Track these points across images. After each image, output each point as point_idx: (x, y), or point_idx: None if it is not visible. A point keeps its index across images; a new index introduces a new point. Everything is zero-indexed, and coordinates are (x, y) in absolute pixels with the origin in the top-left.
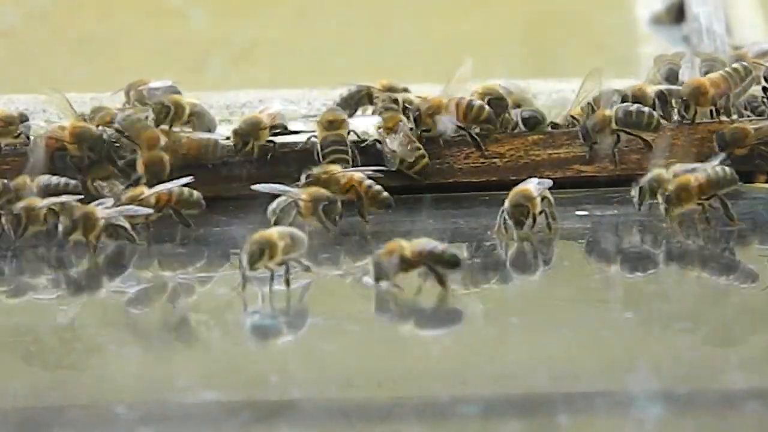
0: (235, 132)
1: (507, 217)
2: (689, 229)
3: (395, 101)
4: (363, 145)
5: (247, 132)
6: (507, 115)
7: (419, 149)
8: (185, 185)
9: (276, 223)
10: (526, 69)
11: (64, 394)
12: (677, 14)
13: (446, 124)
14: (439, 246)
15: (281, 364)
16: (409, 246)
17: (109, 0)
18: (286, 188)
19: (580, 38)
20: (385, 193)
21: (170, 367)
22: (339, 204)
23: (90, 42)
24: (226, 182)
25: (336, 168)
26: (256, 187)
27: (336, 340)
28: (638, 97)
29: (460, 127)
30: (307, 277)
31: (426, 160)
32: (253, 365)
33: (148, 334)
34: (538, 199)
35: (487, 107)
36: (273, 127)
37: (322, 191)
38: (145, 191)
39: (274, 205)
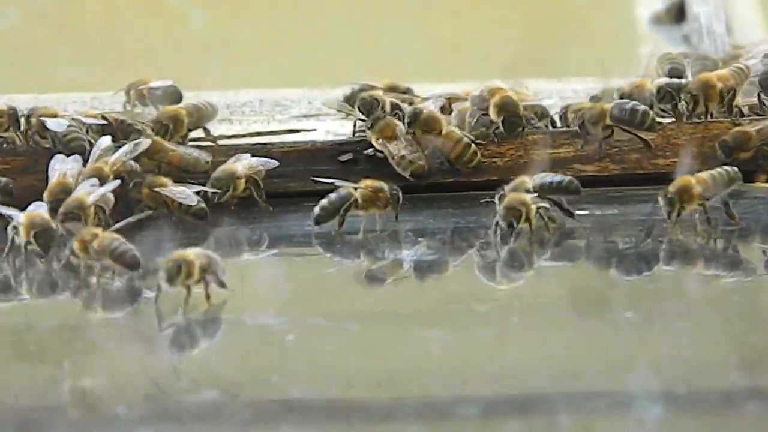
0: (211, 183)
1: (499, 219)
2: (690, 229)
3: (375, 101)
4: (372, 154)
5: (224, 181)
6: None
7: (417, 152)
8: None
9: (321, 220)
10: (526, 68)
11: (64, 394)
12: (677, 14)
13: (437, 152)
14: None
15: (281, 363)
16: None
17: None
18: (342, 182)
19: (580, 38)
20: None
21: (171, 366)
22: (400, 195)
23: (91, 41)
24: None
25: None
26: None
27: (337, 340)
28: (635, 94)
29: (446, 159)
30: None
31: (422, 162)
32: (254, 365)
33: (148, 333)
34: (533, 206)
35: (479, 155)
36: (248, 178)
37: (380, 182)
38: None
39: (324, 201)
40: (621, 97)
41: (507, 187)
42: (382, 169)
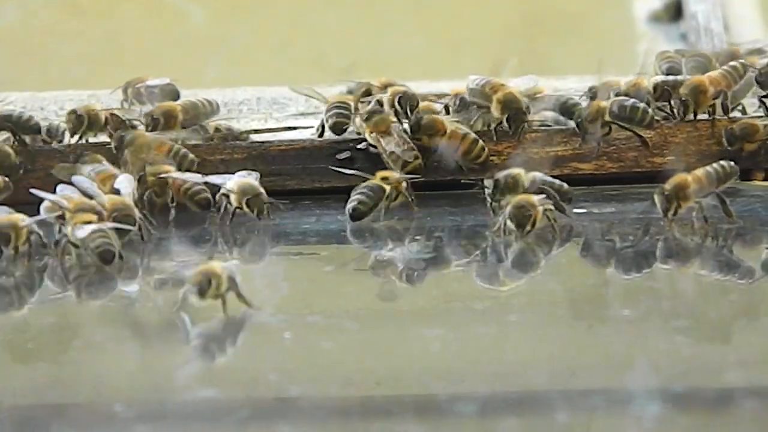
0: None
1: (509, 219)
2: (687, 227)
3: (379, 102)
4: (364, 147)
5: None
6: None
7: (413, 149)
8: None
9: (360, 216)
10: (524, 67)
11: (63, 392)
12: (675, 12)
13: (446, 153)
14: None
15: (280, 362)
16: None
17: None
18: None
19: (578, 36)
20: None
21: (168, 364)
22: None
23: (88, 39)
24: None
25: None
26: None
27: (335, 338)
28: (632, 93)
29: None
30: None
31: (419, 161)
32: (252, 363)
33: (146, 331)
34: (540, 208)
35: (486, 150)
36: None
37: (393, 173)
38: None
39: (362, 197)
40: (617, 96)
41: (501, 174)
42: (379, 165)
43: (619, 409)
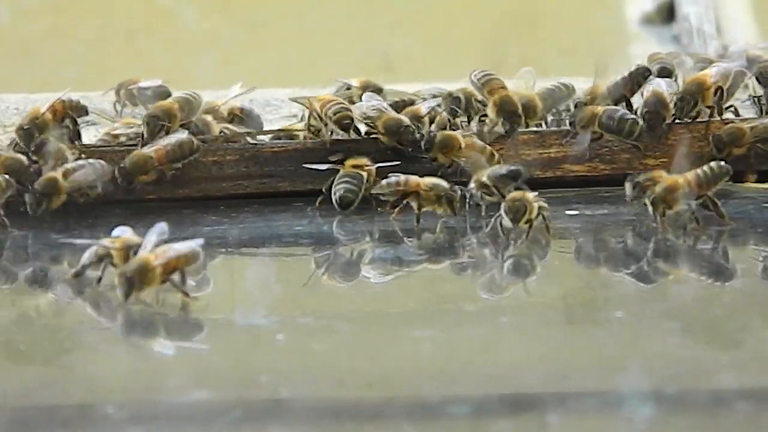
0: None
1: (504, 214)
2: (679, 229)
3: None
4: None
5: None
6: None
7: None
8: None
9: (347, 203)
10: (516, 68)
11: (55, 394)
12: (667, 14)
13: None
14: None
15: (272, 363)
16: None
17: None
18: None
19: (570, 37)
20: None
21: (161, 366)
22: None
23: (81, 40)
24: (216, 181)
25: None
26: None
27: (327, 340)
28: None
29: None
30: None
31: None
32: (244, 364)
33: (138, 333)
34: (535, 204)
35: (498, 157)
36: None
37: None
38: None
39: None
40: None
41: (472, 180)
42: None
43: (612, 410)
